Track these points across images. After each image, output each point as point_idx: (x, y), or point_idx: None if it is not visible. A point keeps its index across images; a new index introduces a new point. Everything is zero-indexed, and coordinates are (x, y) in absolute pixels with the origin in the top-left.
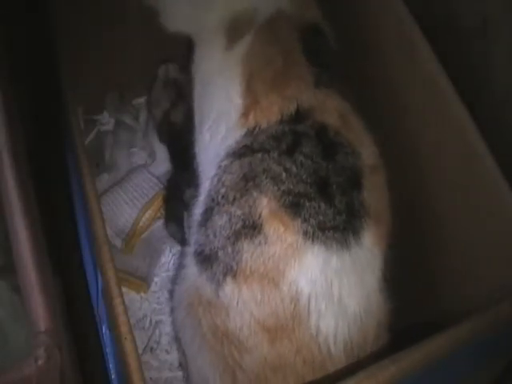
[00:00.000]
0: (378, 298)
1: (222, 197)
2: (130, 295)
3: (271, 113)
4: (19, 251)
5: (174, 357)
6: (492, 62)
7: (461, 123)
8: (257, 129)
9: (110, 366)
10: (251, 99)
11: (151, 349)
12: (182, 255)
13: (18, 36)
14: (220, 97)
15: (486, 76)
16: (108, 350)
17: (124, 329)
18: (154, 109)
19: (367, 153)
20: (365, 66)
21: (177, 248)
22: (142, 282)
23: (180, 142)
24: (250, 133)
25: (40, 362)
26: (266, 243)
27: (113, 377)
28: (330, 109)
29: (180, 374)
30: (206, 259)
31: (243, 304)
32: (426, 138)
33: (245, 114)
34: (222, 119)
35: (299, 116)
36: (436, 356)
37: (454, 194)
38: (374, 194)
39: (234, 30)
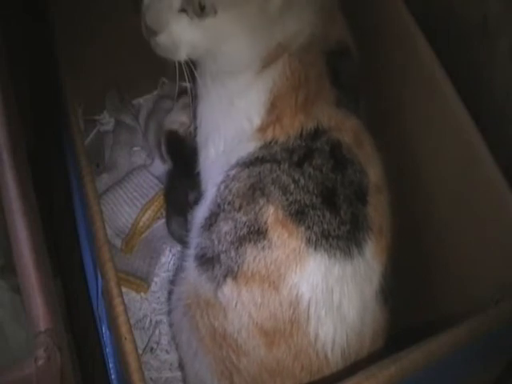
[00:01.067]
0: (375, 309)
1: (229, 203)
2: (130, 295)
3: (292, 129)
4: (19, 251)
5: (173, 357)
6: (492, 62)
7: (461, 123)
8: (273, 142)
9: (110, 365)
10: (272, 118)
11: (151, 349)
12: (181, 258)
13: (18, 36)
14: (238, 116)
15: (487, 75)
16: (108, 350)
17: (124, 329)
18: (156, 127)
19: (375, 173)
20: (363, 66)
21: (177, 248)
22: (142, 281)
23: (183, 150)
24: (265, 146)
25: (40, 362)
26: (269, 248)
27: (113, 377)
28: (347, 128)
29: (180, 374)
30: (207, 262)
31: (242, 306)
32: (426, 138)
33: (262, 130)
34: (236, 134)
35: (317, 134)
36: (436, 356)
37: (454, 194)
38: (378, 210)
39: (271, 56)
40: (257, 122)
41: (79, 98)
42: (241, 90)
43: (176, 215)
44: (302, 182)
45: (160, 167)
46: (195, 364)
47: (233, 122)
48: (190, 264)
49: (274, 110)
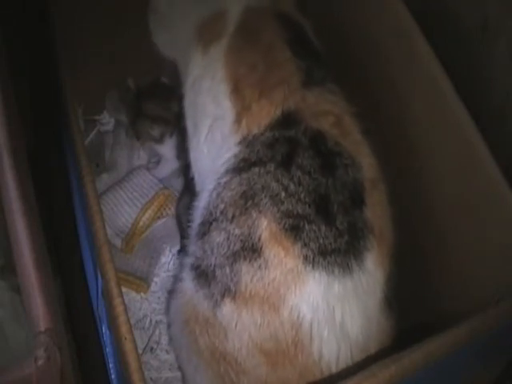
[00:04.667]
0: (380, 320)
1: (221, 212)
2: (130, 295)
3: (261, 118)
4: (19, 251)
5: (173, 357)
6: (492, 62)
7: (460, 123)
8: (250, 136)
9: (110, 365)
10: (242, 104)
11: (151, 349)
12: (179, 267)
13: (18, 36)
14: (210, 104)
15: (487, 76)
16: (108, 349)
17: (124, 329)
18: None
19: (367, 164)
20: (364, 66)
21: (177, 248)
22: (141, 282)
23: None
24: (244, 140)
25: (40, 362)
26: (266, 268)
27: (113, 377)
28: (325, 111)
29: (180, 374)
30: (202, 275)
31: (242, 327)
32: (426, 138)
33: (237, 121)
34: (216, 127)
35: (288, 121)
36: (436, 356)
37: (454, 194)
38: (377, 210)
39: (207, 35)
40: (227, 105)
41: (79, 98)
42: (200, 74)
43: (186, 196)
44: (293, 188)
45: (164, 170)
46: (197, 379)
47: (206, 111)
48: (187, 274)
49: (239, 95)
